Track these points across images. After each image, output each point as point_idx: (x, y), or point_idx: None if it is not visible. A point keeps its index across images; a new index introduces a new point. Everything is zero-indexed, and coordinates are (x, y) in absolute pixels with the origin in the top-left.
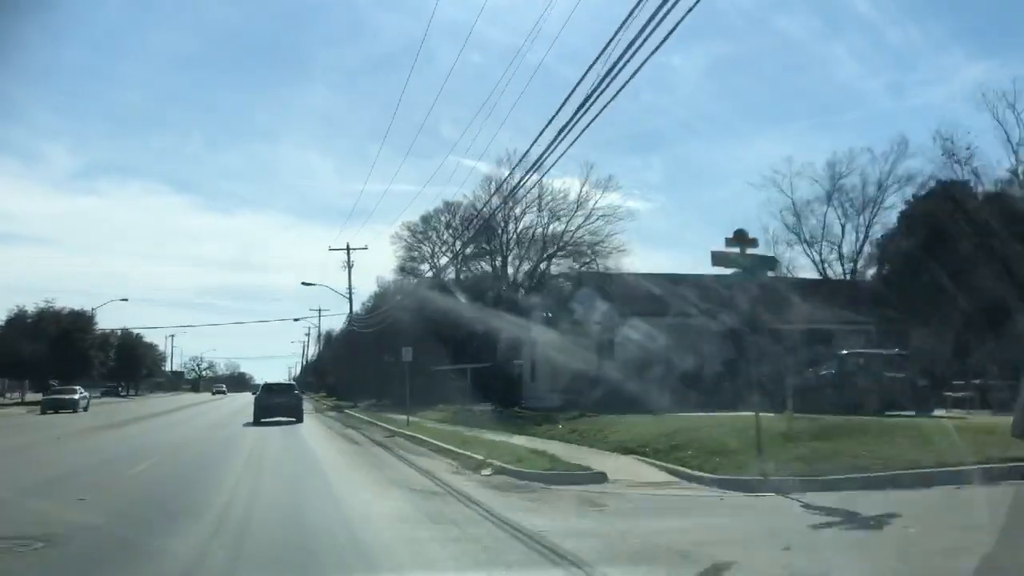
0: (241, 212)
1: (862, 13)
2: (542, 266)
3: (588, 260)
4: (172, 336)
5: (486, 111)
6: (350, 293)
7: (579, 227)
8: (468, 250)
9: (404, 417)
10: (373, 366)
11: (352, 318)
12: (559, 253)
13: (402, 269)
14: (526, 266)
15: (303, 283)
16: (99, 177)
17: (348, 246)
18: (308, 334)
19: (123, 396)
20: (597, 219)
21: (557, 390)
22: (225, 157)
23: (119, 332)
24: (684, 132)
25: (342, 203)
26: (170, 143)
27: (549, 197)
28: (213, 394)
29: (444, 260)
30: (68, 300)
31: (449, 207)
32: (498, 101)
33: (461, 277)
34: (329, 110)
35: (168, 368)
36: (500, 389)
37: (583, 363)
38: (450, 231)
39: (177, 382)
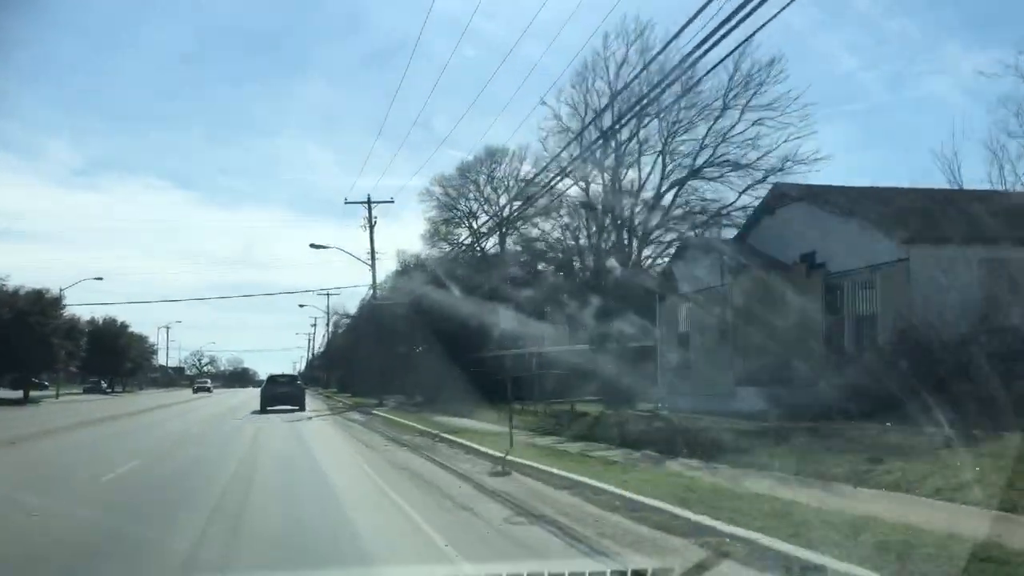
0: (243, 207)
1: None
2: (667, 198)
3: (758, 182)
4: (168, 328)
5: (483, 104)
6: (372, 258)
7: (727, 135)
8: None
9: (484, 426)
10: (397, 356)
11: (375, 290)
12: (703, 172)
13: (435, 233)
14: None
15: (312, 245)
16: (100, 173)
17: (369, 199)
18: (315, 325)
19: (107, 393)
20: (752, 125)
21: (749, 382)
22: (226, 152)
23: (100, 321)
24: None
25: (344, 198)
26: (171, 139)
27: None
28: (195, 391)
29: (487, 219)
30: (69, 297)
31: (492, 156)
32: (496, 92)
33: (508, 241)
34: (329, 105)
35: (164, 362)
36: (606, 383)
37: (808, 335)
38: (492, 184)
39: (175, 378)
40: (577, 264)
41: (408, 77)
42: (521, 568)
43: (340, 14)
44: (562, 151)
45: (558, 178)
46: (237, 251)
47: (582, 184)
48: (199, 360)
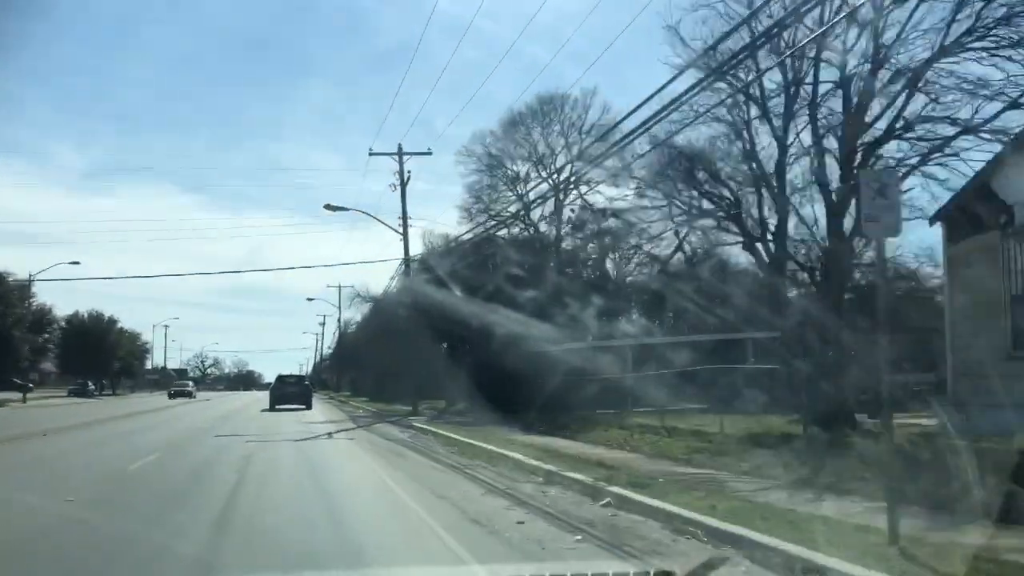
0: (248, 210)
1: None
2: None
3: None
4: (166, 326)
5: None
6: (404, 224)
7: None
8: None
9: (609, 455)
10: (426, 354)
11: (407, 264)
12: (959, 47)
13: (476, 200)
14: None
15: (326, 207)
16: (107, 177)
17: (400, 148)
18: (323, 324)
19: (92, 396)
20: None
21: None
22: (231, 155)
23: (84, 315)
24: None
25: (350, 202)
26: (177, 142)
27: None
28: (171, 396)
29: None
30: (76, 299)
31: (548, 104)
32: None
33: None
34: (336, 108)
35: (162, 363)
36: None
37: None
38: (548, 140)
39: (176, 379)
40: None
41: (414, 76)
42: (524, 570)
43: (345, 16)
44: (740, 25)
45: (711, 78)
46: (243, 254)
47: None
48: (202, 362)
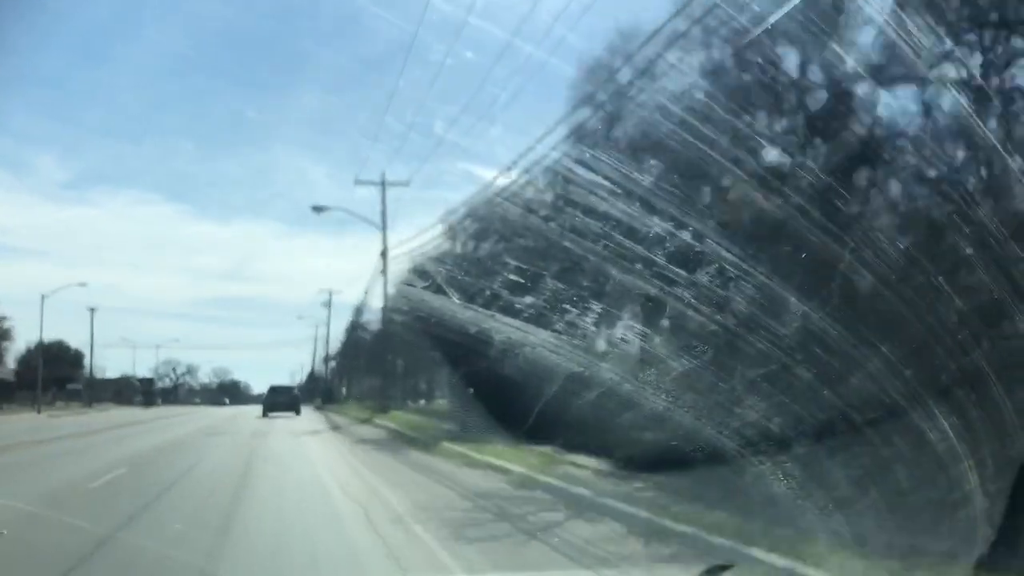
0: (235, 221)
1: None
2: None
3: None
4: (92, 310)
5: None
6: None
7: None
8: None
9: None
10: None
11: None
12: None
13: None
14: None
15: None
16: (90, 187)
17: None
18: (329, 303)
19: None
20: None
21: None
22: (217, 164)
23: None
24: None
25: (339, 211)
26: (161, 151)
27: None
28: None
29: None
30: (61, 310)
31: None
32: (493, 100)
33: None
34: (323, 115)
35: (89, 368)
36: None
37: None
38: None
39: (139, 389)
40: None
41: (406, 85)
42: None
43: (334, 22)
44: None
45: None
46: (231, 265)
47: None
48: (173, 369)
